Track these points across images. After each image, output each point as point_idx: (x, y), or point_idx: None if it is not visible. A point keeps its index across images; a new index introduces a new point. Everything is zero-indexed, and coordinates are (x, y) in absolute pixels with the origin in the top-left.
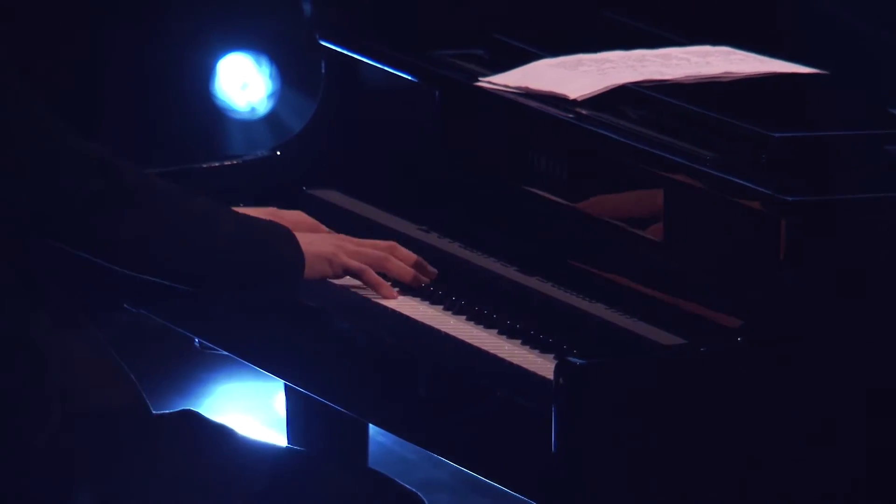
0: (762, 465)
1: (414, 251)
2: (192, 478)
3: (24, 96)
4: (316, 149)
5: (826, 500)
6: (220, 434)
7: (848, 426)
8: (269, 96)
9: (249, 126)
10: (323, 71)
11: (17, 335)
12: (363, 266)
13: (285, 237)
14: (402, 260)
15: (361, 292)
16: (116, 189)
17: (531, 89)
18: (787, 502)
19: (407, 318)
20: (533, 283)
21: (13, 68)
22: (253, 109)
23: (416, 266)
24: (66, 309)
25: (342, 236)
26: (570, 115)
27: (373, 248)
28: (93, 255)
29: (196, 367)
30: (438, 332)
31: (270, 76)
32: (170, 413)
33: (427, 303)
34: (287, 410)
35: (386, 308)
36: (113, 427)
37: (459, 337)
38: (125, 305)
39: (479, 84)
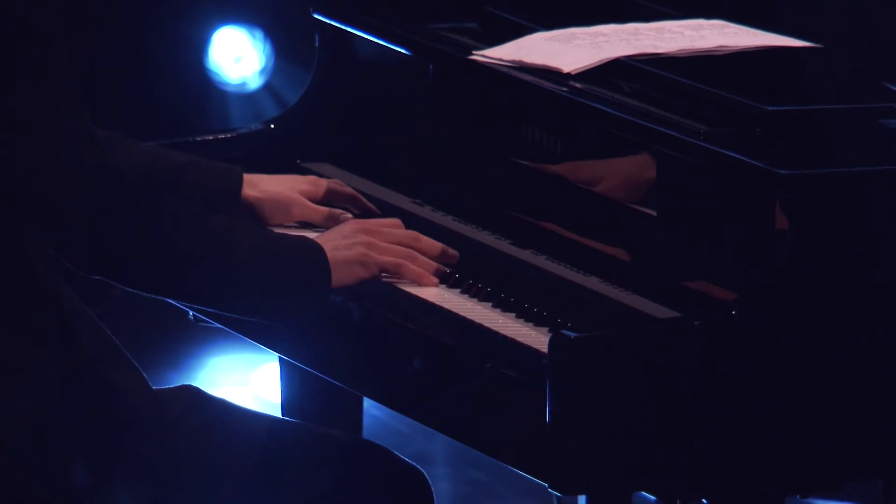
0: (756, 437)
1: (407, 225)
2: (194, 452)
3: (74, 102)
4: (310, 122)
5: (818, 471)
6: (221, 408)
7: (840, 399)
8: (262, 71)
9: (243, 99)
10: (316, 44)
11: (14, 320)
12: (399, 261)
13: (309, 250)
14: (426, 252)
15: None
16: (131, 210)
17: (525, 63)
18: (780, 474)
19: (401, 291)
20: (527, 256)
21: (71, 74)
22: (244, 83)
23: (440, 255)
24: (64, 289)
25: (362, 225)
26: (564, 89)
27: (396, 238)
28: (104, 277)
29: (189, 341)
30: (433, 305)
31: (264, 50)
32: (169, 388)
33: None
34: (281, 383)
35: (380, 281)
36: (112, 402)
37: (454, 310)
38: None
39: (473, 57)
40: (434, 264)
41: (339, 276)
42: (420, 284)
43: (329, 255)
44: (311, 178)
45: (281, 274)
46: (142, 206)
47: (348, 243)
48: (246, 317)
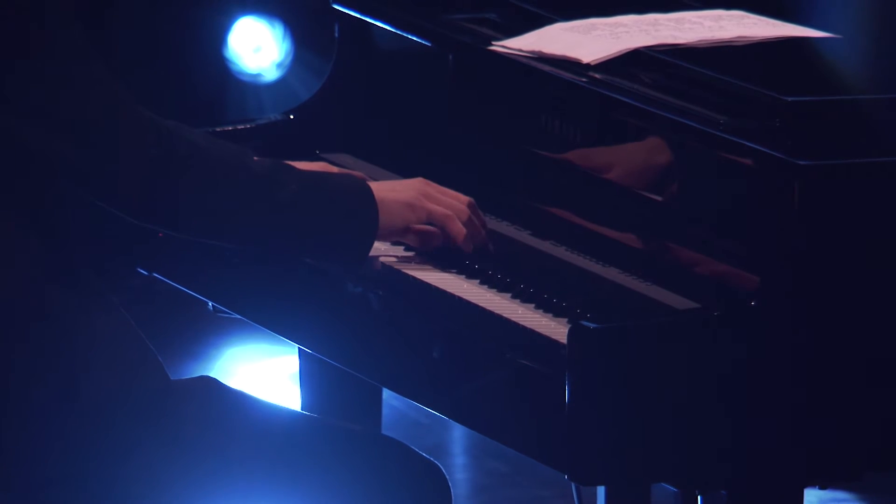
0: (775, 427)
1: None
2: (210, 444)
3: (90, 60)
4: (329, 113)
5: (838, 462)
6: (239, 400)
7: (861, 390)
8: (281, 62)
9: (261, 90)
10: (336, 35)
11: (36, 305)
12: (448, 212)
13: (356, 187)
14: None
15: (374, 254)
16: (172, 155)
17: (544, 53)
18: (800, 465)
19: (420, 281)
20: (546, 246)
21: (79, 30)
22: (263, 74)
23: (480, 229)
24: (86, 276)
25: (425, 181)
26: (584, 80)
27: (455, 199)
28: (153, 224)
29: (207, 331)
30: (452, 296)
31: (283, 40)
32: (187, 379)
33: (440, 267)
34: (300, 374)
35: (399, 271)
36: (129, 390)
37: (473, 301)
38: (139, 269)
39: (493, 48)
40: (482, 235)
41: (387, 217)
42: (460, 241)
43: (377, 194)
44: (322, 164)
45: (329, 204)
46: (190, 156)
47: (402, 187)
48: (297, 253)
